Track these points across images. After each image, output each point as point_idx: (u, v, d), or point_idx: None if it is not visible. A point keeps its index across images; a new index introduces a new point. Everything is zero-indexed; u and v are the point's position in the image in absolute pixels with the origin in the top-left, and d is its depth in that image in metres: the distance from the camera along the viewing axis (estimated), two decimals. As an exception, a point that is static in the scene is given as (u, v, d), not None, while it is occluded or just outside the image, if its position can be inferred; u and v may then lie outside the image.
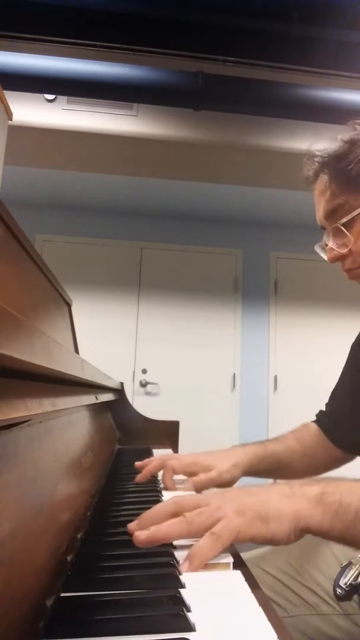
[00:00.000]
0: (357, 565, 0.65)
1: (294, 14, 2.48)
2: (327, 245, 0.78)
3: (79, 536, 0.50)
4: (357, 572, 0.65)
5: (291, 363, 3.83)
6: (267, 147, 2.89)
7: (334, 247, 0.76)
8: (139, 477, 0.79)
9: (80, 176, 3.24)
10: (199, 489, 0.74)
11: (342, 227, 0.73)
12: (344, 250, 0.74)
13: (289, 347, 3.86)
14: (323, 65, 2.74)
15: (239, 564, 0.45)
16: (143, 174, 3.19)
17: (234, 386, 3.76)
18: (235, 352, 3.82)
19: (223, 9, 2.49)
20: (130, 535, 0.46)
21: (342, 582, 0.64)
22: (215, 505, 0.47)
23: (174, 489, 0.77)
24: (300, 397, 3.72)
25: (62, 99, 2.78)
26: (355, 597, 0.64)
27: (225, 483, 0.77)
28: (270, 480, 0.79)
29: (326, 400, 0.97)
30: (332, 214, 0.75)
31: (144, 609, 0.35)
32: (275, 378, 3.81)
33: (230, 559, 0.45)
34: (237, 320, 3.87)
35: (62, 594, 0.37)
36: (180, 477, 0.80)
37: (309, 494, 0.48)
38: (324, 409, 0.96)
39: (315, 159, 0.76)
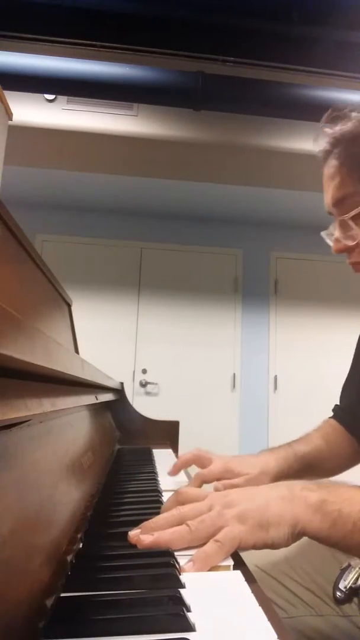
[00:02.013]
0: (357, 568, 0.65)
1: (294, 14, 2.48)
2: (333, 234, 0.72)
3: (79, 536, 0.50)
4: (356, 575, 0.65)
5: (291, 363, 3.83)
6: (267, 147, 2.89)
7: (340, 239, 0.70)
8: (170, 472, 0.81)
9: (80, 176, 3.24)
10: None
11: (350, 221, 0.68)
12: (351, 243, 0.69)
13: (289, 347, 3.86)
14: (323, 65, 2.74)
15: (238, 563, 0.46)
16: (143, 174, 3.19)
17: (234, 386, 3.76)
18: (235, 352, 3.82)
19: (223, 9, 2.49)
20: (130, 542, 0.47)
21: (341, 585, 0.64)
22: (217, 513, 0.47)
23: (174, 474, 0.80)
24: (300, 397, 3.72)
25: (62, 99, 2.78)
26: (355, 599, 0.64)
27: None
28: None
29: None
30: (341, 203, 0.69)
31: (144, 609, 0.35)
32: (275, 378, 3.81)
33: (230, 562, 0.45)
34: (237, 320, 3.87)
35: (62, 594, 0.37)
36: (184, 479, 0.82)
37: (310, 499, 0.48)
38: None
39: (325, 139, 0.69)
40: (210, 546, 0.44)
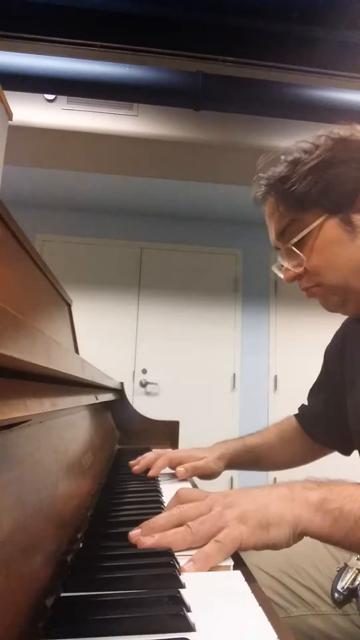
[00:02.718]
0: (354, 569, 0.66)
1: (294, 14, 2.48)
2: (282, 266, 0.77)
3: (79, 536, 0.50)
4: (353, 575, 0.65)
5: (291, 363, 3.83)
6: (267, 147, 2.87)
7: (289, 268, 0.75)
8: (135, 469, 0.88)
9: (80, 176, 3.24)
10: (186, 477, 0.85)
11: (293, 248, 0.73)
12: (299, 270, 0.74)
13: (289, 347, 3.86)
14: (323, 65, 2.74)
15: (238, 563, 0.45)
16: (143, 174, 3.19)
17: (234, 386, 3.76)
18: (235, 352, 3.81)
19: (223, 9, 2.49)
20: (130, 542, 0.47)
21: (339, 587, 0.64)
22: (218, 513, 0.47)
23: (156, 474, 0.86)
24: (300, 397, 3.70)
25: (62, 99, 2.78)
26: (354, 599, 0.64)
27: (210, 472, 0.88)
28: (270, 480, 0.81)
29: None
30: (283, 234, 0.75)
31: (144, 609, 0.34)
32: (275, 378, 3.81)
33: (230, 562, 0.45)
34: (237, 320, 3.87)
35: (62, 594, 0.37)
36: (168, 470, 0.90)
37: (310, 499, 0.48)
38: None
39: (261, 182, 0.76)
40: (210, 546, 0.44)
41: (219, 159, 3.03)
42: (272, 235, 0.78)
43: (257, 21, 2.53)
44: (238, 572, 0.43)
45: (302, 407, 1.01)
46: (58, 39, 2.64)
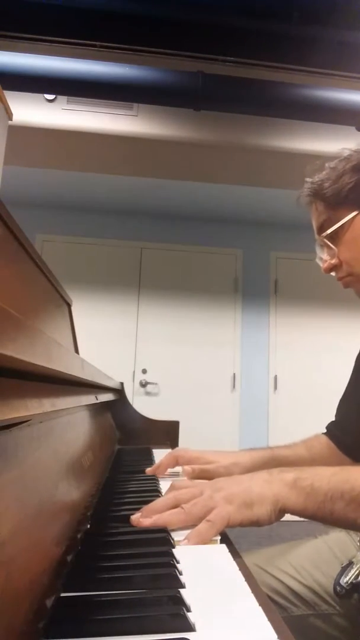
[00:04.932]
0: (358, 565, 0.66)
1: (294, 14, 2.48)
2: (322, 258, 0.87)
3: (79, 536, 0.50)
4: (357, 571, 0.65)
5: (291, 363, 3.83)
6: (267, 147, 2.89)
7: (326, 259, 0.85)
8: (149, 470, 0.87)
9: (80, 176, 3.24)
10: (192, 477, 0.81)
11: (326, 240, 0.83)
12: (333, 260, 0.83)
13: (289, 347, 3.86)
14: (323, 65, 2.74)
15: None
16: (143, 174, 3.19)
17: (234, 386, 3.76)
18: (235, 352, 3.81)
19: (223, 9, 2.49)
20: (132, 524, 0.52)
21: (342, 581, 0.65)
22: (208, 495, 0.53)
23: (161, 475, 0.85)
24: (300, 397, 3.72)
25: (62, 99, 2.78)
26: (356, 595, 0.64)
27: (218, 477, 0.83)
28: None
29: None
30: (321, 229, 0.84)
31: (144, 609, 0.35)
32: (275, 378, 3.81)
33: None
34: (237, 320, 3.87)
35: (62, 594, 0.37)
36: (177, 469, 0.88)
37: (286, 479, 0.55)
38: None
39: (305, 187, 0.86)
40: (202, 525, 0.50)
41: (218, 159, 3.04)
42: (315, 231, 0.87)
43: (257, 21, 2.53)
44: (238, 573, 0.43)
45: (332, 423, 0.96)
46: (58, 39, 2.64)
